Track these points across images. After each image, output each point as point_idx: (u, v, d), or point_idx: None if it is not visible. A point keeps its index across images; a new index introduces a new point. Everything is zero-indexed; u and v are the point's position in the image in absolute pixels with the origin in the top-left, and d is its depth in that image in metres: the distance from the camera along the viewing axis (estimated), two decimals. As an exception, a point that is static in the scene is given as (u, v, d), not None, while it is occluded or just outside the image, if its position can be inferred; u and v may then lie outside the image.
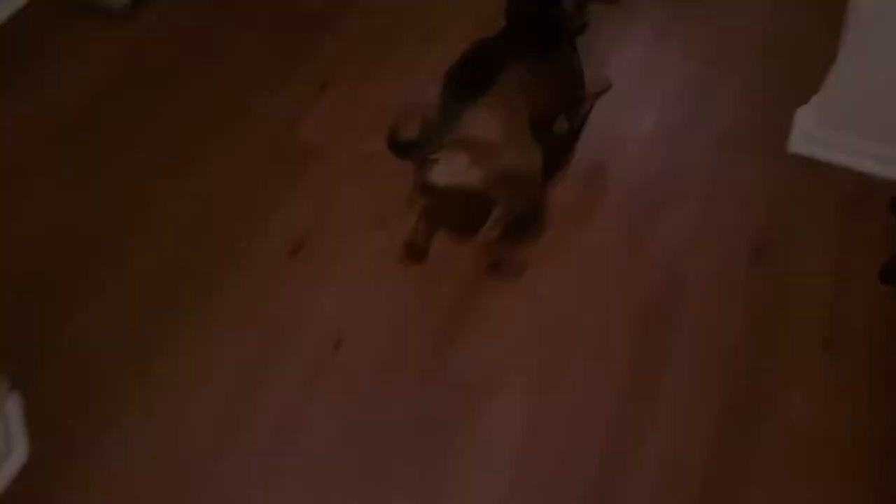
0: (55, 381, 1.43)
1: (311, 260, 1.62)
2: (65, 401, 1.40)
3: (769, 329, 1.54)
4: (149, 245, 1.64)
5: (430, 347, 1.50)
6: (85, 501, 1.30)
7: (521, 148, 1.44)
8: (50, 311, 1.53)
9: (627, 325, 1.54)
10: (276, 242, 1.65)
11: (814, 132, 1.78)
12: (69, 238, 1.65)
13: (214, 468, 1.33)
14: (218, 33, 2.06)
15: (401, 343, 1.51)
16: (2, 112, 1.87)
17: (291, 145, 1.83)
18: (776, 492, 1.32)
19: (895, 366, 1.49)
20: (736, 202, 1.74)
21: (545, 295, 1.58)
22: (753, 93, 1.94)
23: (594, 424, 1.40)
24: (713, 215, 1.71)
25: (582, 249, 1.66)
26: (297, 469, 1.34)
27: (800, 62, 1.98)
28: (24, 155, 1.80)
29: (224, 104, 1.90)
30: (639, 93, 1.94)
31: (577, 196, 1.74)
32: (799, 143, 1.82)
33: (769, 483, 1.33)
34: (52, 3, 2.12)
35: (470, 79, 1.43)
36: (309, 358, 1.47)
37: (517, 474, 1.33)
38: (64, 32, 2.07)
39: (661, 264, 1.63)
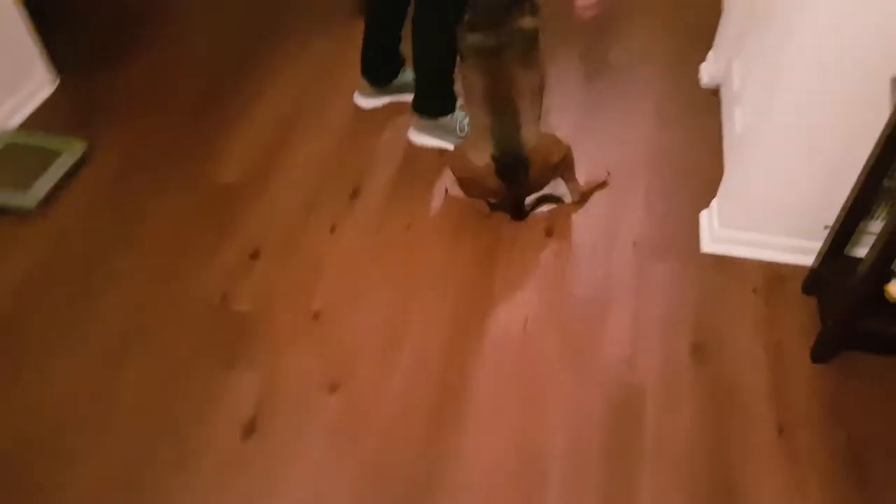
0: None
1: (266, 440, 1.56)
2: None
3: (725, 422, 1.60)
4: (90, 451, 1.54)
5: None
6: None
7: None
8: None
9: (596, 444, 1.56)
10: (225, 428, 1.58)
11: (719, 233, 1.94)
12: None
13: None
14: (137, 219, 2.05)
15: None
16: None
17: (229, 320, 1.80)
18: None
19: (845, 440, 1.57)
20: (665, 305, 1.83)
21: (509, 430, 1.59)
22: (658, 199, 2.09)
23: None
24: (647, 321, 1.79)
25: (533, 379, 1.68)
26: None
27: (692, 169, 2.17)
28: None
29: (154, 288, 1.87)
30: (558, 221, 2.05)
31: (516, 324, 1.79)
32: (708, 244, 1.96)
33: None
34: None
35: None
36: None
37: None
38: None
39: (612, 378, 1.68)
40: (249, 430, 1.58)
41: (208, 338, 1.76)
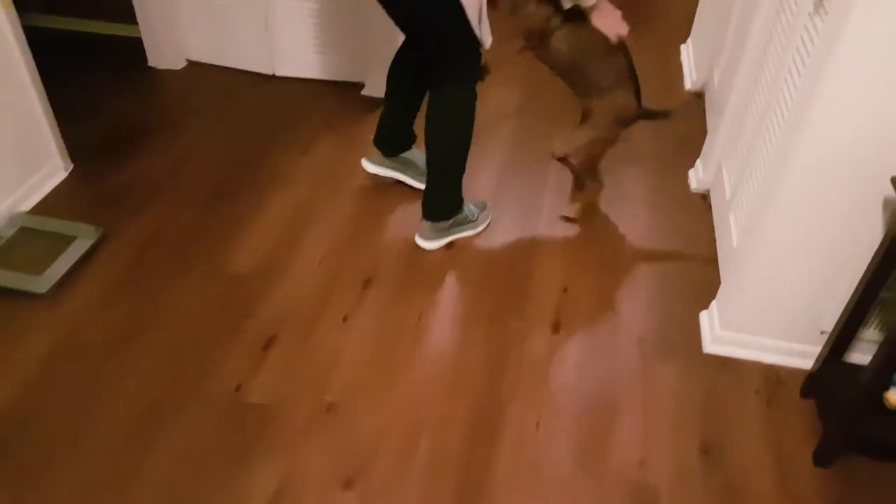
0: None
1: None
2: None
3: (738, 526, 1.63)
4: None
5: None
6: None
7: None
8: None
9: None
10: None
11: (720, 334, 2.01)
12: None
13: None
14: (151, 308, 2.06)
15: None
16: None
17: (244, 412, 1.80)
18: None
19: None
20: (672, 405, 1.88)
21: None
22: (659, 299, 2.17)
23: None
24: (656, 421, 1.83)
25: (550, 480, 1.70)
26: None
27: (689, 270, 2.27)
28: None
29: (168, 379, 1.87)
30: (565, 318, 2.12)
31: (529, 423, 1.82)
32: (710, 344, 2.03)
33: None
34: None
35: None
36: None
37: None
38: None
39: (627, 480, 1.70)
40: (264, 529, 1.56)
41: (224, 431, 1.76)
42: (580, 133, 2.28)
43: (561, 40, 2.12)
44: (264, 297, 2.10)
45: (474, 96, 2.12)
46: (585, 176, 2.39)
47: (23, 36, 2.25)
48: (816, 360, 1.89)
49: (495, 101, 3.00)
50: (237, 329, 2.00)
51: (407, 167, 2.47)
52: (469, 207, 2.33)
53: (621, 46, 2.14)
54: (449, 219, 2.28)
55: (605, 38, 2.09)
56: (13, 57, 2.23)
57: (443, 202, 2.27)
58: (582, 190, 2.45)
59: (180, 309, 2.06)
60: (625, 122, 2.26)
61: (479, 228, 2.37)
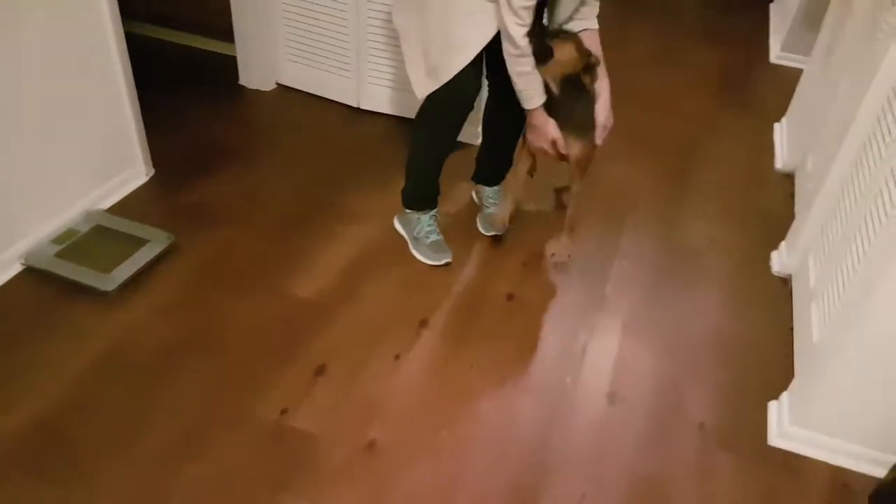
0: None
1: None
2: None
3: None
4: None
5: None
6: None
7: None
8: None
9: None
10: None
11: (788, 429, 1.88)
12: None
13: None
14: (211, 321, 2.07)
15: None
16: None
17: (286, 436, 1.77)
18: None
19: None
20: (728, 498, 1.75)
21: None
22: (726, 384, 2.05)
23: None
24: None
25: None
26: None
27: (762, 357, 2.14)
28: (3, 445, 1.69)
29: (217, 392, 1.86)
30: (623, 391, 2.02)
31: (573, 498, 1.72)
32: (776, 438, 1.90)
33: None
34: (35, 283, 2.12)
35: None
36: None
37: None
38: (49, 314, 2.04)
39: (673, 573, 1.59)
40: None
41: (263, 454, 1.73)
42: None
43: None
44: (321, 327, 2.08)
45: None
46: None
47: (124, 42, 2.34)
48: (891, 470, 1.74)
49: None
50: (291, 354, 1.99)
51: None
52: (421, 222, 2.36)
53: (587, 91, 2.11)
54: (404, 205, 2.39)
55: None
56: (112, 61, 2.32)
57: (405, 187, 2.38)
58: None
59: (237, 327, 2.06)
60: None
61: (413, 252, 2.37)
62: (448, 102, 2.09)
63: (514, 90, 2.03)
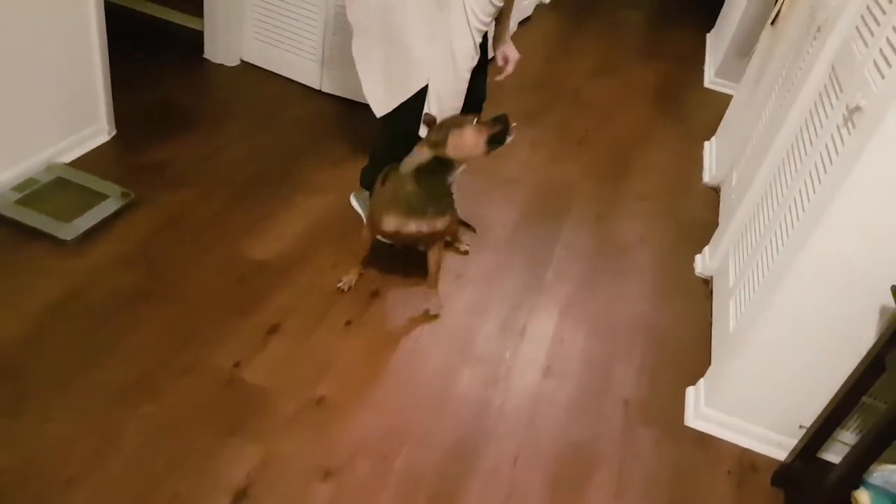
0: None
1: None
2: None
3: None
4: (84, 491, 1.54)
5: None
6: None
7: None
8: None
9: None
10: (217, 493, 1.59)
11: (703, 410, 2.07)
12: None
13: None
14: (167, 276, 2.12)
15: None
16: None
17: (238, 388, 1.84)
18: None
19: None
20: (645, 469, 1.92)
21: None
22: (650, 367, 2.23)
23: None
24: (628, 482, 1.87)
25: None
26: None
27: (683, 346, 2.34)
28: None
29: (171, 343, 1.92)
30: (558, 366, 2.18)
31: (507, 457, 1.86)
32: (692, 419, 2.09)
33: None
34: (-5, 226, 2.13)
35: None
36: None
37: None
38: (6, 257, 2.05)
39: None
40: (239, 497, 1.59)
41: (215, 404, 1.80)
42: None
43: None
44: (276, 287, 2.17)
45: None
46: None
47: (102, 5, 2.37)
48: (791, 453, 1.95)
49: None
50: (246, 310, 2.06)
51: None
52: (361, 200, 2.47)
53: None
54: (362, 185, 2.49)
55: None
56: (89, 21, 2.35)
57: (366, 171, 2.45)
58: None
59: (194, 281, 2.12)
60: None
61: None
62: (410, 110, 2.15)
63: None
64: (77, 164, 2.44)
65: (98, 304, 1.98)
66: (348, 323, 2.12)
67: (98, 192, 2.27)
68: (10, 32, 2.09)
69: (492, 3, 1.97)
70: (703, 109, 4.00)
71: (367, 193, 2.47)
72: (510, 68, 2.31)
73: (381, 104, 2.16)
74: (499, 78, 2.32)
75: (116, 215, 2.24)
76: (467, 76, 2.10)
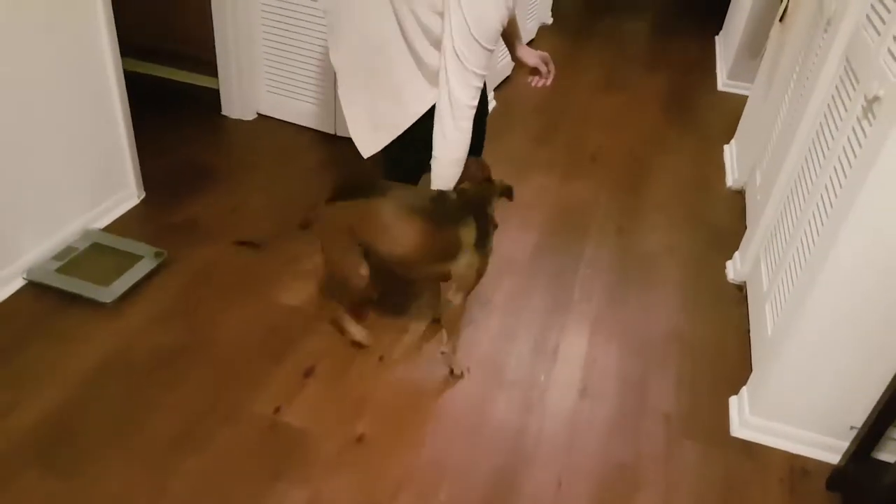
0: None
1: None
2: None
3: None
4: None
5: None
6: None
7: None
8: None
9: None
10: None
11: (748, 419, 2.03)
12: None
13: None
14: (204, 329, 2.18)
15: None
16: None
17: (280, 432, 1.87)
18: None
19: None
20: (693, 484, 1.89)
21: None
22: (689, 379, 2.21)
23: None
24: (675, 498, 1.85)
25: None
26: None
27: (722, 355, 2.31)
28: (6, 447, 1.77)
29: (213, 394, 1.96)
30: (594, 386, 2.17)
31: (551, 482, 1.85)
32: (738, 428, 2.05)
33: None
34: (38, 296, 2.21)
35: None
36: None
37: None
38: (51, 324, 2.13)
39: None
40: (288, 547, 1.61)
41: (259, 447, 1.83)
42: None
43: None
44: (307, 331, 2.20)
45: None
46: None
47: (122, 76, 2.48)
48: (844, 455, 1.90)
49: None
50: (281, 357, 2.10)
51: None
52: None
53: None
54: None
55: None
56: (111, 93, 2.46)
57: None
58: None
59: (229, 333, 2.17)
60: None
61: None
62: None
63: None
64: (111, 228, 2.53)
65: (140, 362, 2.04)
66: (381, 359, 2.14)
67: (132, 254, 2.34)
68: (38, 109, 2.20)
69: (482, 47, 1.81)
70: (719, 113, 3.99)
71: None
72: (546, 68, 2.21)
73: (367, 145, 2.10)
74: (540, 83, 2.23)
75: (151, 275, 2.31)
76: (466, 125, 1.92)
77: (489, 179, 2.02)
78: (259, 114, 3.43)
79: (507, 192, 2.03)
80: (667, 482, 1.89)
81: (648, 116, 3.88)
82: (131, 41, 3.42)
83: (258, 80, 3.34)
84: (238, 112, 3.38)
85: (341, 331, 2.17)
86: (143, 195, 2.71)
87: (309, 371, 2.06)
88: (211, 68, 3.34)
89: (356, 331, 2.17)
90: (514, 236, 2.78)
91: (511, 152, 3.32)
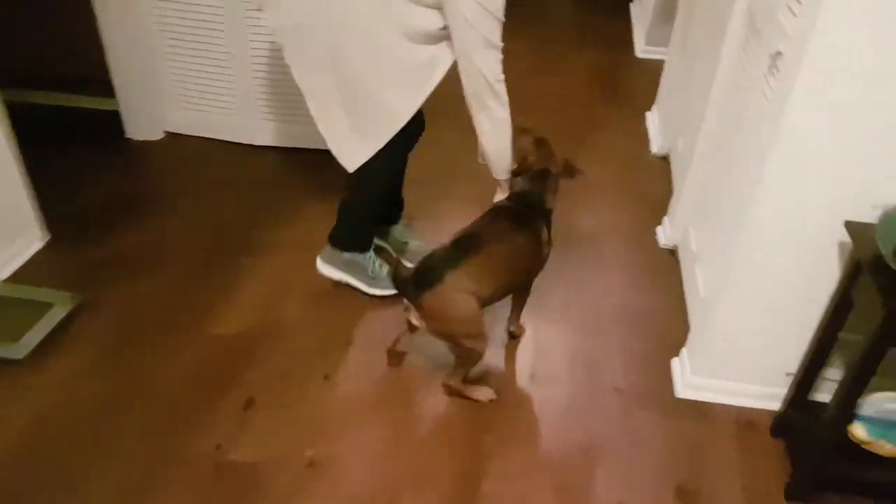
0: None
1: None
2: None
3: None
4: None
5: None
6: None
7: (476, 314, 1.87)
8: None
9: None
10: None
11: (691, 379, 2.08)
12: None
13: None
14: (132, 372, 2.07)
15: None
16: None
17: (227, 471, 1.80)
18: None
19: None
20: (649, 451, 1.92)
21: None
22: (633, 349, 2.23)
23: None
24: (633, 467, 1.87)
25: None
26: None
27: (661, 321, 2.34)
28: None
29: (153, 442, 1.87)
30: (543, 370, 2.17)
31: (511, 471, 1.84)
32: (682, 390, 2.09)
33: None
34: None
35: (462, 248, 1.87)
36: None
37: None
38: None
39: (608, 526, 1.73)
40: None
41: (209, 487, 1.76)
42: None
43: None
44: (246, 359, 2.12)
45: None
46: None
47: (3, 110, 2.31)
48: (784, 402, 1.96)
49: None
50: (220, 389, 2.01)
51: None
52: (373, 262, 2.31)
53: None
54: (344, 251, 2.29)
55: None
56: (-6, 130, 2.29)
57: (343, 230, 2.29)
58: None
59: (161, 373, 2.06)
60: None
61: (375, 291, 2.31)
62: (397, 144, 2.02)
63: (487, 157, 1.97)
64: (16, 277, 2.37)
65: (67, 419, 1.92)
66: (326, 377, 2.08)
67: (42, 302, 2.20)
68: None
69: (497, 19, 1.80)
70: (641, 81, 4.02)
71: (356, 256, 2.30)
72: None
73: (353, 157, 2.01)
74: None
75: (67, 322, 2.17)
76: (506, 98, 1.95)
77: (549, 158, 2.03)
78: (168, 132, 3.26)
79: (569, 171, 2.04)
80: (626, 454, 1.91)
81: (576, 94, 3.87)
82: (11, 69, 3.22)
83: (162, 95, 3.16)
84: (144, 133, 3.21)
85: (460, 396, 2.03)
86: (48, 237, 2.54)
87: (249, 402, 1.99)
88: (107, 88, 3.14)
89: (483, 392, 2.03)
90: (452, 230, 2.73)
91: (442, 144, 3.27)
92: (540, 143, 2.06)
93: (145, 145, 3.20)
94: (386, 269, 2.35)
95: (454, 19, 1.77)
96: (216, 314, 2.28)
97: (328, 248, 2.34)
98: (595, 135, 3.47)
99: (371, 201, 2.25)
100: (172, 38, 3.01)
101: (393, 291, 2.27)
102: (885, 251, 1.48)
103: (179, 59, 3.06)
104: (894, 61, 1.52)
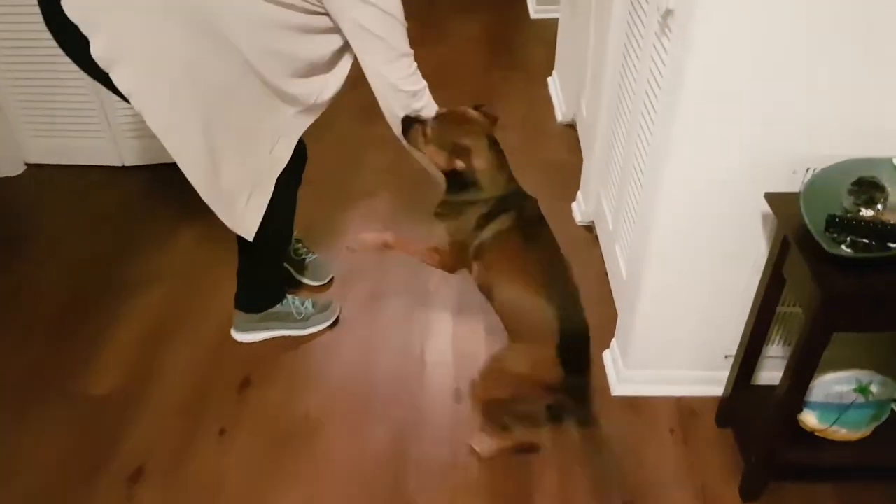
0: None
1: None
2: None
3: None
4: None
5: None
6: None
7: None
8: None
9: None
10: None
11: (625, 373, 1.91)
12: None
13: None
14: (4, 450, 1.79)
15: None
16: None
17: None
18: None
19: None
20: (587, 465, 1.74)
21: None
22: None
23: None
24: (572, 483, 1.71)
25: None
26: None
27: (587, 303, 2.15)
28: None
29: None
30: (465, 383, 1.97)
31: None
32: (617, 386, 1.93)
33: None
34: None
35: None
36: None
37: None
38: None
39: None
40: None
41: None
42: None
43: None
44: (128, 421, 1.86)
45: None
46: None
47: None
48: (726, 386, 1.81)
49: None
50: (99, 462, 1.76)
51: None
52: (294, 303, 2.08)
53: None
54: (259, 311, 2.06)
55: None
56: None
57: (251, 294, 2.04)
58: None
59: (31, 452, 1.79)
60: None
61: (310, 330, 2.09)
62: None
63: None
64: None
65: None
66: (222, 432, 1.83)
67: None
68: None
69: (399, 21, 1.64)
70: (537, 44, 3.81)
71: (277, 309, 2.06)
72: None
73: (249, 219, 1.77)
74: None
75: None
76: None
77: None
78: (28, 164, 2.91)
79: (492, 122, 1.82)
80: (561, 463, 1.74)
81: (470, 64, 3.64)
82: None
83: (16, 125, 2.82)
84: (3, 169, 2.86)
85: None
86: None
87: (138, 473, 1.73)
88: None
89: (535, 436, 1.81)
90: (356, 231, 2.50)
91: (339, 134, 3.01)
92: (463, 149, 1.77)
93: (4, 183, 2.84)
94: (309, 301, 2.10)
95: (352, 35, 1.60)
96: (91, 370, 2.00)
97: (241, 315, 2.06)
98: (495, 105, 3.25)
99: (273, 256, 2.01)
100: (18, 61, 2.67)
101: (329, 322, 2.09)
102: (815, 228, 1.31)
103: (32, 84, 2.73)
104: None
